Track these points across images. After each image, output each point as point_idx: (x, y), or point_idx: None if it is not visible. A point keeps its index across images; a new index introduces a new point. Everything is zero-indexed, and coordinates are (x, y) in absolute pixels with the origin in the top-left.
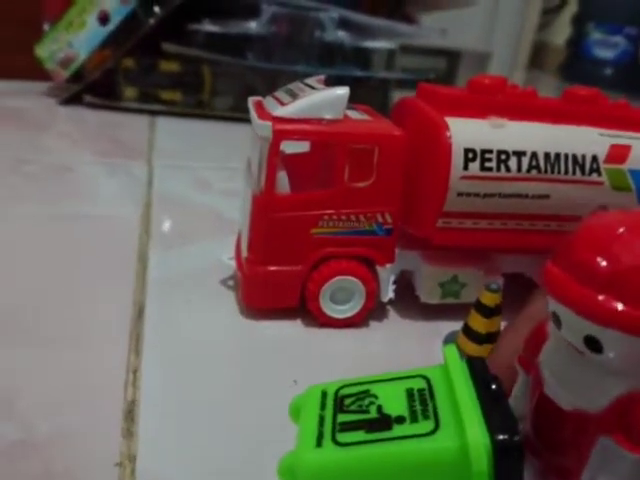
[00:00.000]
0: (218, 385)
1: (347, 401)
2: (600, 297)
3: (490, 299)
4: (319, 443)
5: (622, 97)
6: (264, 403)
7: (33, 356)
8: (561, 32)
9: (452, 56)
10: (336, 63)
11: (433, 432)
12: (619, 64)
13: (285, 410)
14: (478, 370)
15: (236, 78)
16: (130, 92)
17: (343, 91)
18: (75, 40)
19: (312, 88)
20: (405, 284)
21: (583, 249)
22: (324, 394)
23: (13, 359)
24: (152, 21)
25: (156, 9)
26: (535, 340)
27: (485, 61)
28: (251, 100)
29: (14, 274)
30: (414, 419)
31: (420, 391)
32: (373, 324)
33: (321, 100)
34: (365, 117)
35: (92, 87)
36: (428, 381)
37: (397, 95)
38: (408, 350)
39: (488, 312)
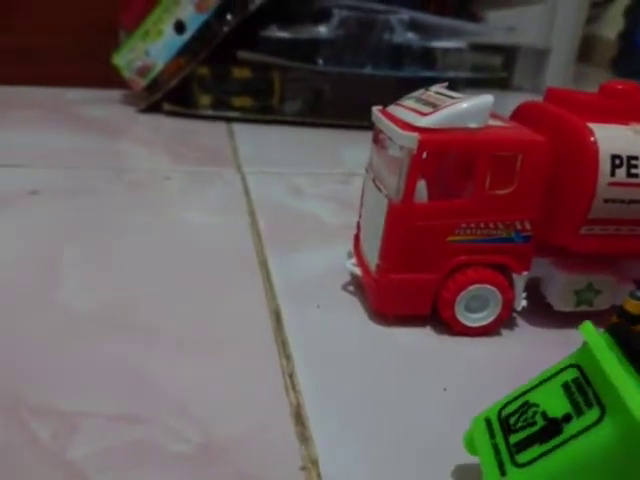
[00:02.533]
0: (373, 387)
1: (512, 420)
2: None
3: (635, 307)
4: (502, 472)
5: None
6: (421, 410)
7: (189, 362)
8: (612, 25)
9: (508, 53)
10: (404, 64)
11: (600, 419)
12: None
13: (442, 418)
14: (622, 337)
15: (304, 82)
16: (205, 99)
17: (487, 99)
18: (152, 49)
19: (450, 97)
20: (533, 292)
21: None
22: (488, 422)
23: (172, 364)
24: (226, 29)
25: (229, 17)
26: None
27: (541, 57)
28: (376, 109)
29: (149, 282)
30: (579, 412)
31: (575, 381)
32: (505, 332)
33: (466, 109)
34: (502, 123)
35: (169, 95)
36: (579, 368)
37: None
38: (547, 357)
39: (632, 320)
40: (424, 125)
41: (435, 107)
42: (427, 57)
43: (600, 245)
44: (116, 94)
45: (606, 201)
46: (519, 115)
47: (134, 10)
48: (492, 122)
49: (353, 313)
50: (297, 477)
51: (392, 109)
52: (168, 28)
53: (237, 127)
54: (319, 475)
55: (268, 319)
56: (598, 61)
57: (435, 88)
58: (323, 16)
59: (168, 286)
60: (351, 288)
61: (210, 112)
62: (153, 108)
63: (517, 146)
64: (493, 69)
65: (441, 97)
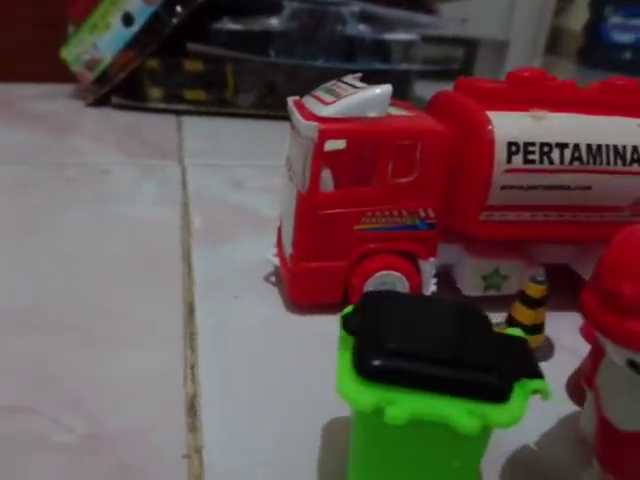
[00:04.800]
0: (274, 375)
1: None
2: (628, 323)
3: (536, 291)
4: None
5: None
6: (321, 394)
7: (94, 356)
8: (578, 17)
9: (470, 45)
10: (357, 57)
11: None
12: (638, 48)
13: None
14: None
15: (258, 75)
16: (155, 92)
17: (386, 89)
18: (100, 42)
19: (354, 87)
20: (444, 277)
21: (610, 275)
22: None
23: (77, 359)
24: (175, 21)
25: (178, 9)
26: (593, 359)
27: (503, 49)
28: (291, 100)
29: (67, 278)
30: None
31: None
32: None
33: (365, 99)
34: (405, 113)
35: (118, 88)
36: None
37: (418, 86)
38: None
39: (533, 304)
40: (325, 114)
41: (338, 97)
42: (380, 49)
43: (501, 231)
44: (66, 88)
45: (503, 188)
46: (432, 105)
47: (82, 3)
48: (397, 112)
49: (270, 303)
50: (180, 465)
51: (305, 99)
52: (116, 21)
53: (188, 120)
54: (201, 462)
55: (181, 311)
56: (565, 53)
57: (347, 79)
58: (274, 8)
59: (87, 281)
60: (273, 279)
61: (161, 105)
62: (102, 102)
63: (416, 135)
64: (453, 61)
65: (347, 87)
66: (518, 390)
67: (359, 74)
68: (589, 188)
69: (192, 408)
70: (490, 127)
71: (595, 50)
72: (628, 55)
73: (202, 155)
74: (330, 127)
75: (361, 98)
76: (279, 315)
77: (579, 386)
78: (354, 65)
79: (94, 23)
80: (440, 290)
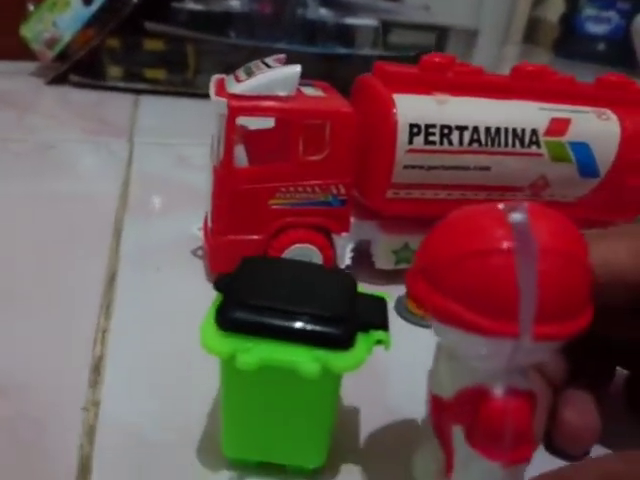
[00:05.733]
0: (179, 340)
1: None
2: (419, 283)
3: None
4: None
5: (614, 72)
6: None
7: (9, 315)
8: (556, 8)
9: (441, 32)
10: (319, 41)
11: None
12: (612, 39)
13: None
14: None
15: (219, 56)
16: (115, 71)
17: (295, 69)
18: (59, 20)
19: (268, 67)
20: (363, 253)
21: (422, 242)
22: None
23: None
24: (135, 0)
25: None
26: None
27: (473, 37)
28: (214, 78)
29: None
30: None
31: None
32: None
33: (273, 78)
34: (320, 94)
35: (78, 67)
36: None
37: None
38: None
39: None
40: (235, 92)
41: (250, 75)
42: (342, 34)
43: (407, 208)
44: (25, 66)
45: (406, 167)
46: (355, 88)
47: None
48: (314, 92)
49: (192, 275)
50: (77, 417)
51: (227, 77)
52: None
53: (146, 99)
54: (97, 415)
55: (102, 281)
56: (542, 43)
57: (268, 60)
58: None
59: (10, 248)
60: (200, 253)
61: (120, 84)
62: (62, 80)
63: (322, 114)
64: (426, 48)
65: (263, 67)
66: (363, 339)
67: (283, 55)
68: (488, 169)
69: (97, 368)
70: (394, 109)
71: (570, 41)
72: (602, 46)
73: (153, 133)
74: (239, 104)
75: (270, 77)
76: (198, 286)
77: None
78: (315, 49)
79: (54, 1)
80: (355, 264)
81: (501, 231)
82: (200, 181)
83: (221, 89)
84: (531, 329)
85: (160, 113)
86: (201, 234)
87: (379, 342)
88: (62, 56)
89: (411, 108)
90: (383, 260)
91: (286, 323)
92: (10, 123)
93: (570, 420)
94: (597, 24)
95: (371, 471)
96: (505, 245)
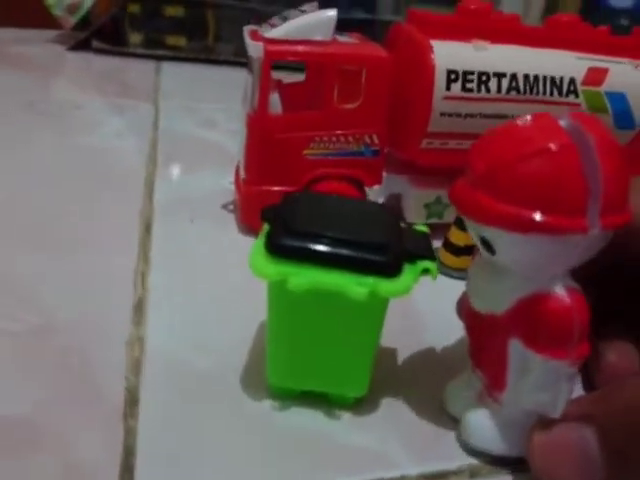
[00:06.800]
0: (217, 285)
1: None
2: (478, 195)
3: (459, 238)
4: None
5: None
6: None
7: (53, 258)
8: None
9: None
10: (341, 6)
11: None
12: (636, 13)
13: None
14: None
15: (239, 22)
16: (136, 38)
17: (331, 13)
18: None
19: (304, 12)
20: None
21: (471, 152)
22: None
23: (37, 260)
24: None
25: None
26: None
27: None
28: (246, 28)
29: (33, 193)
30: None
31: None
32: None
33: (310, 22)
34: (355, 41)
35: (99, 33)
36: None
37: None
38: None
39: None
40: (271, 36)
41: (285, 21)
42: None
43: (442, 159)
44: (48, 33)
45: (442, 114)
46: (390, 36)
47: None
48: (347, 39)
49: (223, 227)
50: (121, 350)
51: (262, 26)
52: None
53: (167, 65)
54: (142, 349)
55: (137, 228)
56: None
57: (304, 6)
58: None
59: (46, 195)
60: (231, 207)
61: (141, 50)
62: (83, 46)
63: (360, 59)
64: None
65: (297, 13)
66: (409, 268)
67: (316, 3)
68: None
69: (138, 307)
70: (432, 55)
71: (593, 14)
72: (625, 21)
73: (177, 97)
74: (275, 48)
75: (306, 21)
76: (231, 237)
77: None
78: (338, 14)
79: None
80: None
81: (557, 132)
82: (227, 141)
83: (256, 35)
84: (598, 221)
85: (182, 79)
86: (232, 187)
87: (425, 271)
88: (83, 23)
89: (448, 54)
90: (414, 214)
91: (335, 250)
92: (33, 87)
93: (612, 361)
94: None
95: (409, 403)
96: (566, 142)
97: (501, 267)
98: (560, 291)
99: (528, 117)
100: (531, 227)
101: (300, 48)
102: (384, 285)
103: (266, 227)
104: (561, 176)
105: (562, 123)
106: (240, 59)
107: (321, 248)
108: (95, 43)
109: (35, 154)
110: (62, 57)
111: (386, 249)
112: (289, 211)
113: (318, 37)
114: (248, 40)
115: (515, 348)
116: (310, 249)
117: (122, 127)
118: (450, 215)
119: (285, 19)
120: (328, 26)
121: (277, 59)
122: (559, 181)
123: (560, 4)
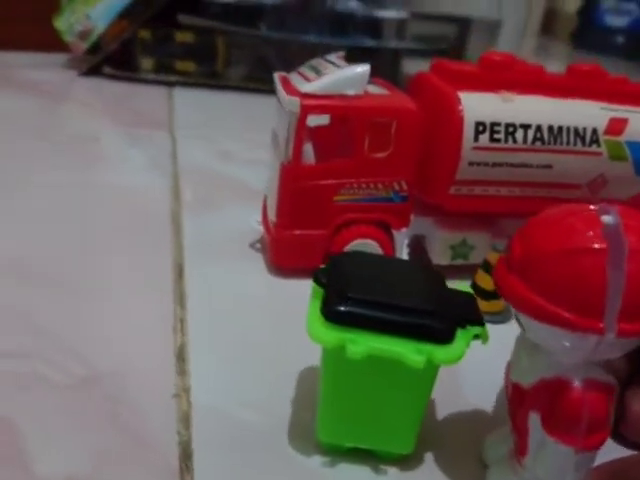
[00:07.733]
0: (256, 330)
1: None
2: (511, 280)
3: (496, 258)
4: None
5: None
6: (297, 346)
7: (92, 308)
8: (573, 0)
9: (462, 24)
10: (347, 33)
11: None
12: (631, 32)
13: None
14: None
15: (249, 48)
16: (147, 63)
17: (364, 69)
18: (92, 12)
19: (335, 65)
20: (415, 247)
21: (515, 235)
22: None
23: (71, 308)
24: None
25: None
26: None
27: (495, 29)
28: (277, 75)
29: (53, 236)
30: None
31: None
32: None
33: (344, 77)
34: (384, 91)
35: (110, 58)
36: None
37: (408, 64)
38: None
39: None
40: (307, 90)
41: (319, 74)
42: (371, 26)
43: (469, 204)
44: (59, 58)
45: (471, 164)
46: (413, 85)
47: None
48: (377, 90)
49: (254, 267)
50: (169, 403)
51: (291, 75)
52: None
53: (178, 91)
54: (189, 402)
55: (170, 271)
56: (559, 35)
57: (330, 57)
58: None
59: (76, 239)
60: (258, 246)
61: (152, 76)
62: (95, 72)
63: (390, 113)
64: (446, 39)
65: (329, 65)
66: (461, 334)
67: (342, 53)
68: (550, 167)
69: (181, 356)
70: (460, 107)
71: (588, 33)
72: (620, 39)
73: (192, 126)
74: (311, 102)
75: (341, 76)
76: (262, 277)
77: None
78: (344, 41)
79: None
80: (412, 259)
81: (594, 231)
82: (247, 175)
83: (289, 87)
84: (615, 326)
85: (194, 106)
86: (260, 227)
87: (476, 337)
88: (94, 48)
89: (476, 106)
90: (440, 255)
91: (391, 316)
92: (47, 113)
93: (637, 410)
94: (616, 16)
95: (451, 457)
96: (597, 245)
97: (531, 343)
98: (578, 382)
99: (572, 207)
100: (553, 321)
101: (333, 103)
102: (440, 353)
103: (317, 289)
104: (585, 278)
105: (604, 220)
106: (249, 84)
107: (377, 314)
108: (106, 69)
109: (57, 192)
110: (74, 82)
111: (440, 316)
112: (341, 276)
113: (351, 92)
114: (282, 93)
115: (534, 421)
116: (367, 316)
117: (141, 161)
118: (475, 256)
119: (315, 70)
120: (361, 81)
121: (312, 113)
122: (583, 282)
123: (555, 23)
